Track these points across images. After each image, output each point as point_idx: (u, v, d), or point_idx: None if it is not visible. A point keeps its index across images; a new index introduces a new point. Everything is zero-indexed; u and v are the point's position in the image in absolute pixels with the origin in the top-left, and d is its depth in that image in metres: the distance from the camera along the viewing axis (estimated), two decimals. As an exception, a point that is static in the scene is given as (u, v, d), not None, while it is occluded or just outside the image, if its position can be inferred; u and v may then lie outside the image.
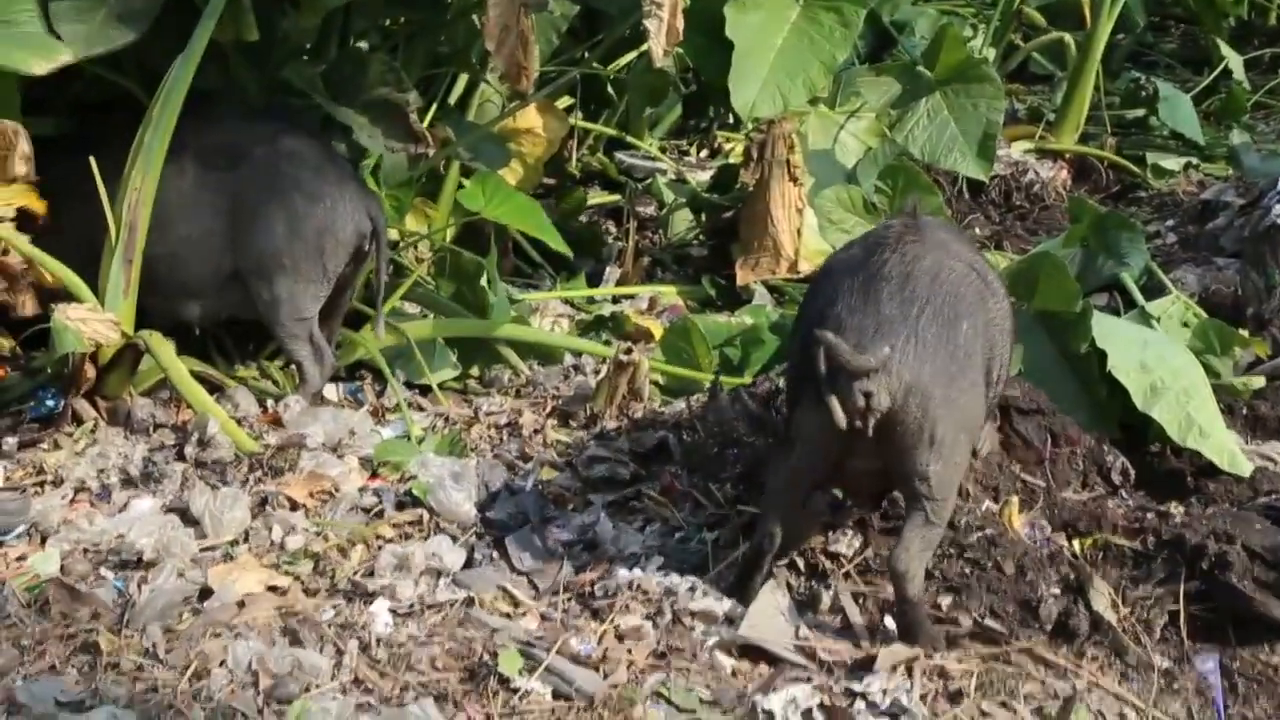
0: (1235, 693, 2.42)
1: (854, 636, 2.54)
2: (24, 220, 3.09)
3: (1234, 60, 5.40)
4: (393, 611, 2.58)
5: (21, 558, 2.67)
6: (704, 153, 5.06)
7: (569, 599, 2.63)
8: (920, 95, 4.05)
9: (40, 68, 3.00)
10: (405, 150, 3.50)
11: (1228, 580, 2.50)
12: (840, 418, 2.34)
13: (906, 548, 2.44)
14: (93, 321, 3.06)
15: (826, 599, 2.62)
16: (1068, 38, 5.00)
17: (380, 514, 2.89)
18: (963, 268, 2.55)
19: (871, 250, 2.55)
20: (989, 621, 2.54)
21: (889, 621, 2.54)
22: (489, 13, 3.46)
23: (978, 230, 4.23)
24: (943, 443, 2.41)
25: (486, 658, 2.44)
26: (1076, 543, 2.75)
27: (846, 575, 2.67)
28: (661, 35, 3.63)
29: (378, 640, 2.49)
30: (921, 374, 2.39)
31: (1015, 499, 2.85)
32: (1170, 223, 4.17)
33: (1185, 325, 3.46)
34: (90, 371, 3.07)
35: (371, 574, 2.69)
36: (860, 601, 2.62)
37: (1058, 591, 2.58)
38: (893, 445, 2.41)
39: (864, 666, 2.45)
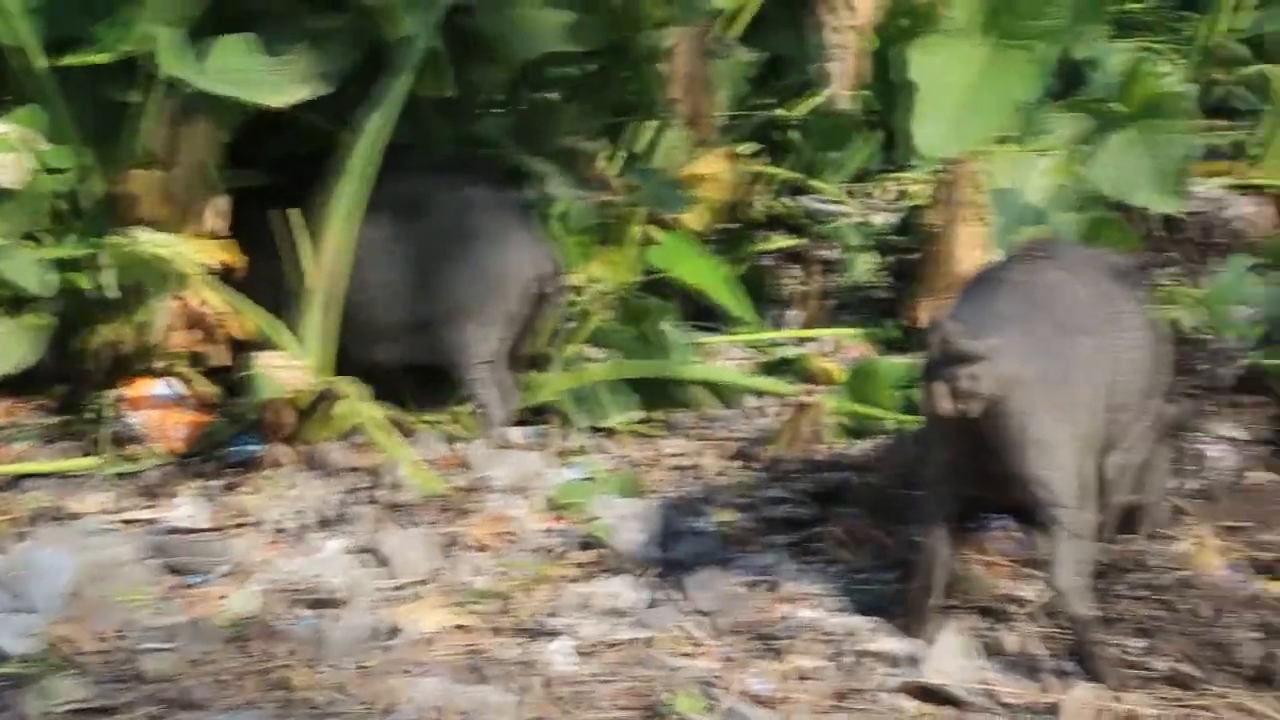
0: None
1: (1039, 679, 2.49)
2: (219, 272, 3.23)
3: None
4: (575, 650, 2.62)
5: (222, 597, 2.78)
6: (888, 196, 5.02)
7: (749, 639, 2.63)
8: (1110, 131, 3.97)
9: (277, 100, 3.13)
10: (590, 197, 3.57)
11: None
12: (942, 402, 2.38)
13: (1059, 563, 2.44)
14: (291, 369, 3.20)
15: (1011, 641, 2.58)
16: (1271, 69, 4.84)
17: (562, 554, 2.93)
18: (1086, 290, 2.60)
19: (1001, 264, 2.69)
20: (1183, 666, 2.46)
21: (1073, 664, 2.48)
22: (674, 60, 3.53)
23: (1170, 267, 4.12)
24: (1052, 447, 2.43)
25: (665, 696, 2.45)
26: (1273, 582, 2.64)
27: (1031, 617, 2.62)
28: (843, 78, 3.64)
29: (559, 678, 2.52)
30: (1027, 370, 2.43)
31: (1212, 539, 2.77)
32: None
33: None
34: (289, 416, 3.19)
35: (554, 613, 2.72)
36: (1046, 644, 2.56)
37: (1257, 636, 2.49)
38: (1003, 443, 2.44)
39: (1049, 710, 2.40)
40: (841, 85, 3.55)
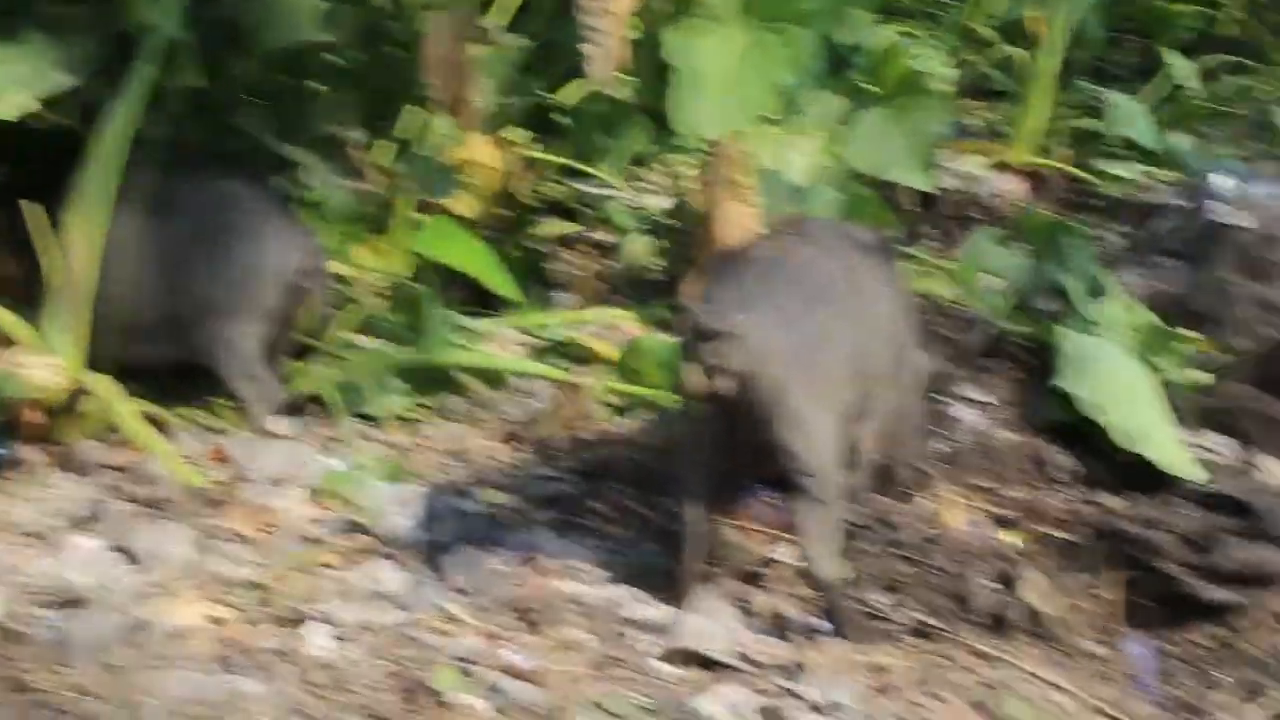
0: (1166, 675, 2.42)
1: (793, 639, 2.56)
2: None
3: (1184, 69, 5.43)
4: (334, 636, 2.60)
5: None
6: (662, 179, 5.09)
7: (511, 615, 2.65)
8: (866, 111, 4.09)
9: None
10: (354, 185, 3.54)
11: (1159, 566, 2.51)
12: (695, 380, 2.43)
13: (811, 529, 2.50)
14: (40, 368, 3.10)
15: (766, 604, 2.64)
16: (1022, 53, 5.03)
17: (325, 543, 2.91)
18: (833, 264, 2.65)
19: (750, 243, 2.74)
20: (925, 617, 2.56)
21: (830, 623, 2.55)
22: (432, 46, 3.52)
23: (927, 241, 4.26)
24: (801, 418, 2.48)
25: (426, 675, 2.45)
26: (1014, 537, 2.76)
27: (786, 580, 2.69)
28: (605, 63, 3.68)
29: (317, 664, 2.50)
30: (776, 344, 2.48)
31: (957, 497, 2.88)
32: (1120, 228, 4.20)
33: (1132, 328, 3.47)
34: (37, 417, 3.10)
35: (313, 601, 2.70)
36: (800, 606, 2.63)
37: (994, 585, 2.60)
38: (754, 417, 2.48)
39: (800, 666, 2.47)
40: (603, 70, 3.58)
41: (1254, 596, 2.51)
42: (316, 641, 2.56)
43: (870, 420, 2.75)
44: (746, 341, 2.47)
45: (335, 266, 3.66)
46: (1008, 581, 2.57)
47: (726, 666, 2.49)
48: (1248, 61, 6.02)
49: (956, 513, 2.81)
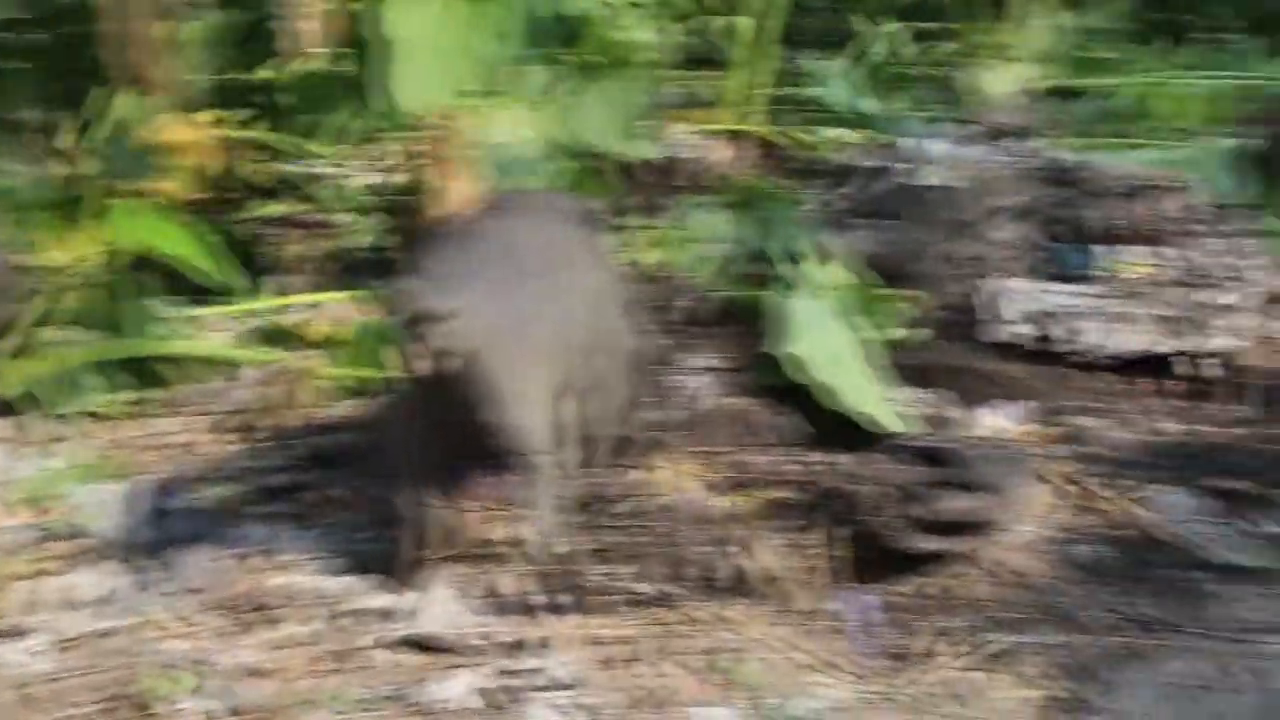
0: (884, 626, 2.52)
1: (532, 617, 2.55)
2: None
3: (895, 34, 5.62)
4: (53, 646, 2.48)
5: None
6: (384, 156, 5.00)
7: (241, 611, 2.57)
8: (583, 81, 4.10)
9: None
10: (48, 171, 3.36)
11: (878, 521, 2.60)
12: (413, 361, 2.41)
13: (537, 504, 2.51)
14: None
15: (503, 583, 2.63)
16: (730, 20, 5.12)
17: (40, 548, 2.76)
18: (540, 238, 2.65)
19: (461, 219, 2.65)
20: (664, 586, 2.59)
21: (562, 598, 2.56)
22: (129, 25, 3.36)
23: (648, 210, 4.30)
24: (519, 394, 2.48)
25: (152, 681, 2.36)
26: (743, 500, 2.82)
27: (515, 558, 2.68)
28: (314, 37, 3.58)
29: (36, 678, 2.38)
30: (492, 324, 2.47)
31: (691, 464, 2.92)
32: (827, 190, 4.31)
33: (849, 290, 3.57)
34: None
35: (30, 611, 2.57)
36: (536, 583, 2.62)
37: (729, 550, 2.65)
38: (468, 396, 2.47)
39: (542, 644, 2.46)
40: (312, 45, 3.49)
41: (961, 544, 2.62)
42: (34, 654, 2.44)
43: (588, 393, 2.76)
44: (460, 320, 2.44)
45: (26, 257, 3.48)
46: (742, 546, 2.62)
47: (459, 649, 2.47)
48: (938, 25, 6.28)
49: (681, 480, 2.84)
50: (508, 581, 2.63)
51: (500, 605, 2.58)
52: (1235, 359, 3.43)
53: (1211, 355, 3.45)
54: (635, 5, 5.18)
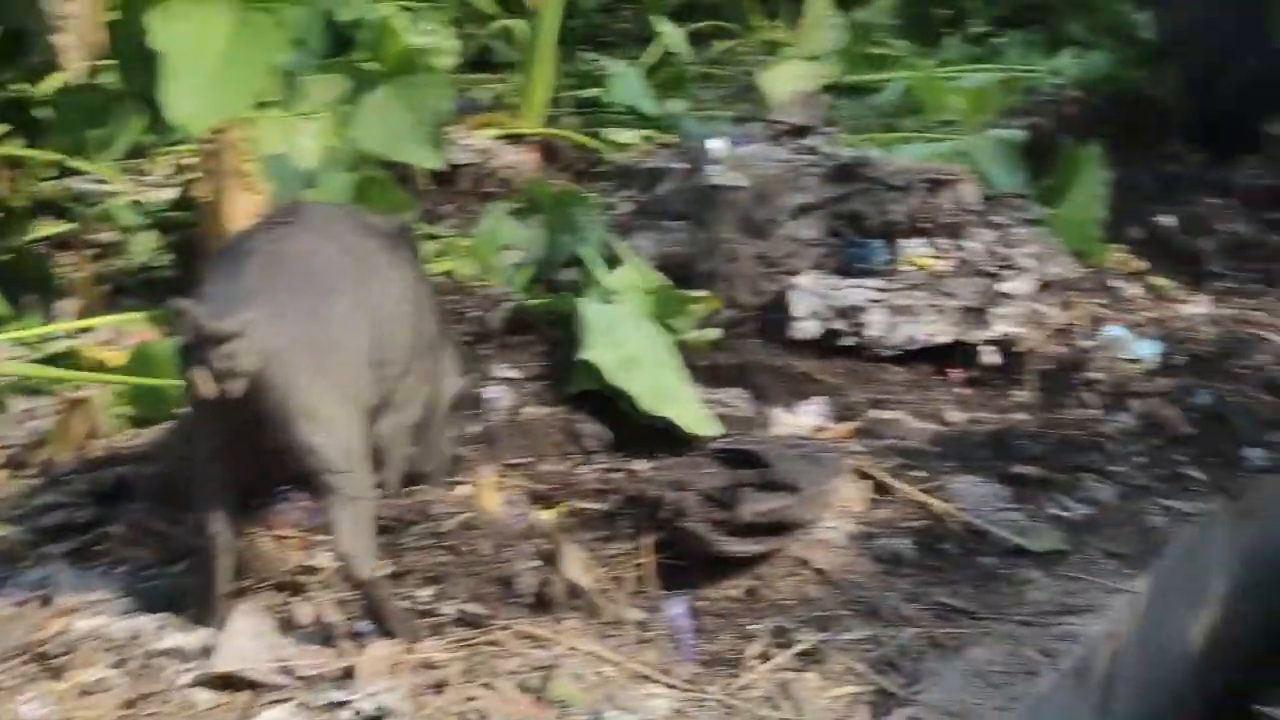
0: (702, 631, 2.52)
1: (339, 647, 2.48)
2: None
3: (674, 35, 5.68)
4: None
5: None
6: (164, 171, 4.85)
7: (22, 662, 2.44)
8: (370, 89, 4.03)
9: None
10: None
11: (685, 526, 2.61)
12: (202, 386, 2.33)
13: (339, 529, 2.43)
14: None
15: (306, 614, 2.55)
16: (520, 23, 5.09)
17: None
18: (337, 251, 2.57)
19: (246, 234, 2.61)
20: (470, 606, 2.55)
21: (368, 625, 2.50)
22: None
23: (444, 220, 4.25)
24: (318, 413, 2.42)
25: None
26: (550, 512, 2.79)
27: (327, 586, 2.61)
28: (78, 50, 3.43)
29: None
30: (283, 342, 2.40)
31: (492, 478, 2.88)
32: (626, 193, 4.32)
33: (644, 292, 3.58)
34: None
35: None
36: (340, 611, 2.56)
37: (535, 564, 2.62)
38: (269, 417, 2.40)
39: (347, 674, 2.40)
40: (77, 58, 3.34)
41: (769, 545, 2.64)
42: None
43: (397, 410, 2.71)
44: (251, 340, 2.36)
45: None
46: (548, 560, 2.60)
47: (270, 685, 2.39)
48: (731, 25, 6.37)
49: (493, 495, 2.81)
50: (311, 611, 2.56)
51: (305, 636, 2.51)
52: (1014, 346, 3.55)
53: (992, 343, 3.56)
54: (433, 8, 5.13)
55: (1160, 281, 4.02)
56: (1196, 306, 3.82)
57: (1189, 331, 3.56)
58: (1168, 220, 4.50)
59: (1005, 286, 3.69)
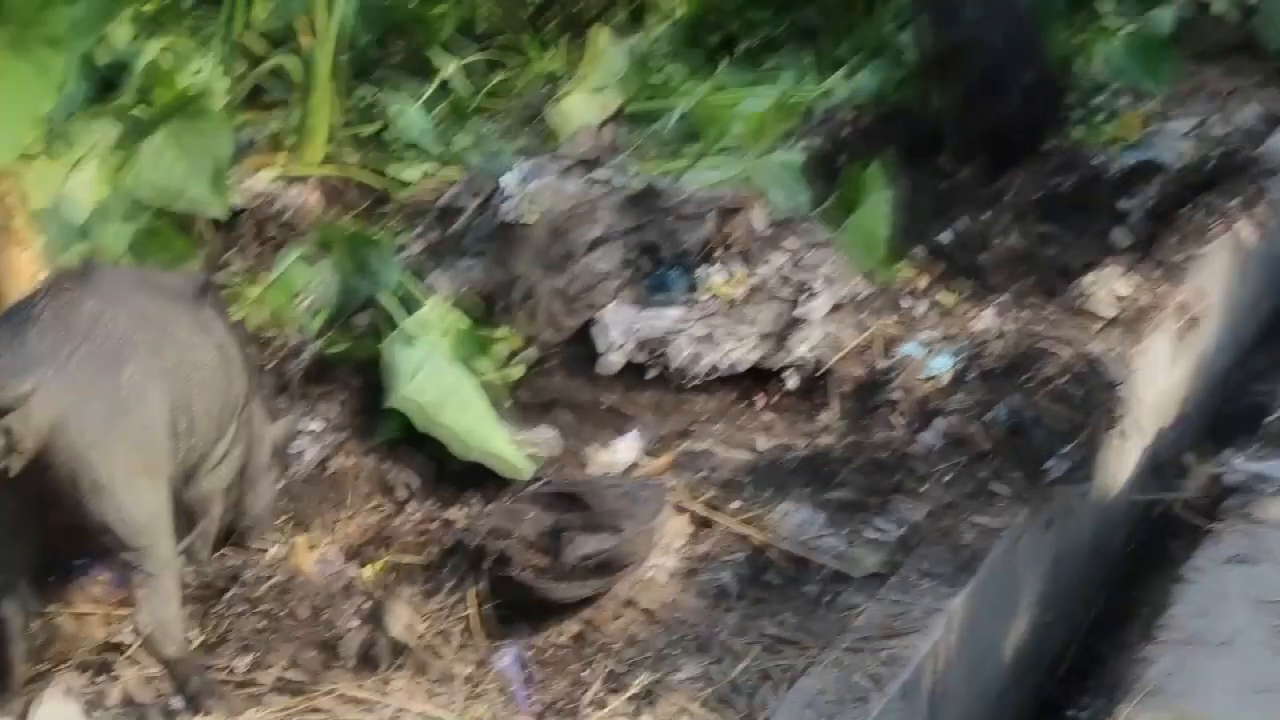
0: (533, 681, 2.48)
1: (150, 724, 2.37)
2: None
3: (452, 67, 5.61)
4: None
5: None
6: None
7: None
8: (144, 135, 3.87)
9: None
10: None
11: (510, 574, 2.56)
12: None
13: (141, 606, 2.33)
14: None
15: (115, 694, 2.43)
16: (293, 61, 4.94)
17: None
18: (129, 316, 2.46)
19: (29, 299, 2.47)
20: (290, 673, 2.45)
21: (179, 700, 2.39)
22: None
23: (233, 268, 4.09)
24: (112, 486, 2.31)
25: None
26: (369, 568, 2.71)
27: (133, 662, 2.49)
28: None
29: None
30: (71, 412, 2.29)
31: (303, 537, 2.79)
32: (417, 231, 4.25)
33: (446, 333, 3.52)
34: None
35: None
36: (152, 687, 2.44)
37: (356, 623, 2.54)
38: (60, 491, 2.29)
39: (160, 754, 2.30)
40: None
41: (598, 586, 2.61)
42: None
43: (210, 474, 2.60)
44: (35, 411, 2.23)
45: None
46: (370, 618, 2.52)
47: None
48: (507, 56, 6.31)
49: (307, 554, 2.71)
50: (119, 691, 2.44)
51: (117, 715, 2.39)
52: (815, 368, 3.60)
53: (794, 367, 3.60)
54: (204, 48, 4.96)
55: (946, 297, 4.13)
56: (983, 320, 3.92)
57: (979, 346, 3.65)
58: (947, 235, 4.63)
59: (801, 310, 3.74)
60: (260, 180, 4.64)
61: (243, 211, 4.36)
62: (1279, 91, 6.35)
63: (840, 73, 5.81)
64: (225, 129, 3.90)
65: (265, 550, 2.72)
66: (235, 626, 2.55)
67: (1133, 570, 3.70)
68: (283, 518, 2.83)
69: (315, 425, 3.22)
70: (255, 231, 4.28)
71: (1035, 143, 5.14)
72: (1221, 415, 4.48)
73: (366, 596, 2.59)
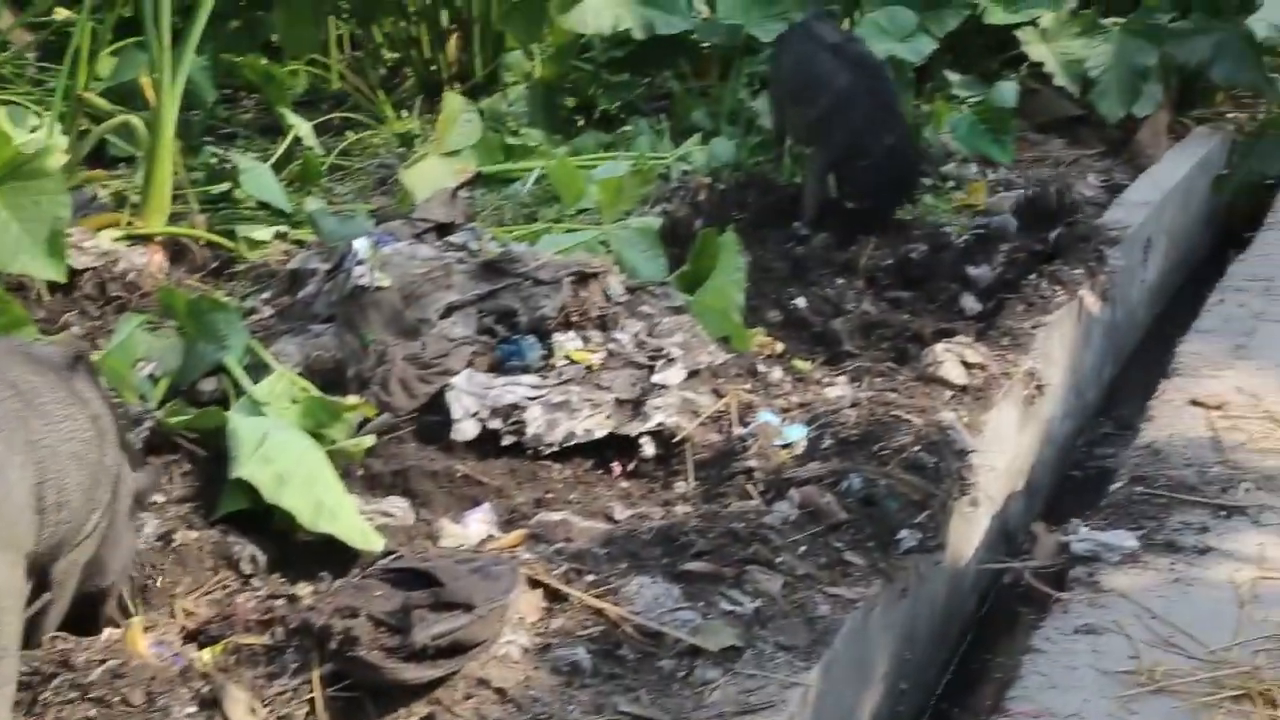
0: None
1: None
2: None
3: (303, 128, 5.53)
4: None
5: None
6: None
7: None
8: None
9: None
10: None
11: (357, 655, 2.48)
12: None
13: None
14: None
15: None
16: (135, 119, 4.81)
17: None
18: (7, 388, 2.35)
19: None
20: (122, 766, 2.34)
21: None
22: None
23: (76, 331, 3.94)
24: None
25: None
26: (208, 651, 2.60)
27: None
28: None
29: None
30: None
31: (138, 617, 2.67)
32: (266, 295, 4.14)
33: (294, 401, 3.43)
34: None
35: None
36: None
37: (193, 709, 2.43)
38: None
39: None
40: None
41: (452, 667, 2.54)
42: None
43: (75, 548, 2.48)
44: None
45: None
46: (209, 704, 2.41)
47: None
48: (359, 117, 6.25)
49: (142, 636, 2.59)
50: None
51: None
52: (671, 436, 3.57)
53: (650, 435, 3.58)
54: (41, 105, 4.81)
55: (801, 364, 4.15)
56: (837, 388, 3.94)
57: (833, 414, 3.66)
58: (801, 302, 4.67)
59: (657, 377, 3.72)
60: (103, 240, 4.49)
61: (84, 272, 4.22)
62: (1118, 162, 6.59)
63: (696, 138, 5.87)
64: (62, 189, 3.76)
65: (95, 632, 2.58)
66: (64, 716, 2.41)
67: (986, 636, 3.73)
68: (116, 597, 2.70)
69: (157, 498, 3.10)
70: (97, 293, 4.13)
71: (894, 205, 5.25)
72: (1068, 482, 4.58)
73: (205, 680, 2.47)
